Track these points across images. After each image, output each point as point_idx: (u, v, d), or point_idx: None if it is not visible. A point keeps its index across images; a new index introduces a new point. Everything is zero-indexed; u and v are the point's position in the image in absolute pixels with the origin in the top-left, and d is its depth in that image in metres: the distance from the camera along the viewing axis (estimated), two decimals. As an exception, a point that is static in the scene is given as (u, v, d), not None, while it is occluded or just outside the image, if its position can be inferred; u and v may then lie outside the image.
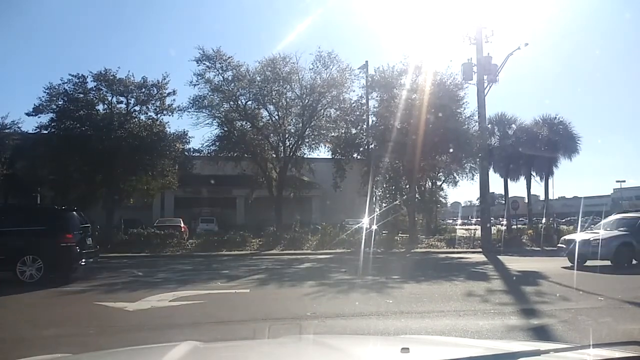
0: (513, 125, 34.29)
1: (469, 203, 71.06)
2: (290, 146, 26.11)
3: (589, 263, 13.97)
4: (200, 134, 64.81)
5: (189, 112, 24.86)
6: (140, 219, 27.98)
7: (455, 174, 30.93)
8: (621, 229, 15.11)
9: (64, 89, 23.48)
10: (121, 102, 24.70)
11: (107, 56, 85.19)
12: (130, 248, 20.13)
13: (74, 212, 12.49)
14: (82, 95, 23.79)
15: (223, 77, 24.64)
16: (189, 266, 15.67)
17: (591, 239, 14.71)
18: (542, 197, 42.50)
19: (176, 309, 8.03)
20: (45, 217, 12.19)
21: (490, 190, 27.34)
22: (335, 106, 25.74)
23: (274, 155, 26.33)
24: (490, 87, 22.43)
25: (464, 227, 34.30)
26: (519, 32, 53.49)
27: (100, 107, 24.59)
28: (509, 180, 35.34)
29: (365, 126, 25.14)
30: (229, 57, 24.49)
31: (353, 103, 25.44)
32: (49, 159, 23.04)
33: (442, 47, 44.47)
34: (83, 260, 11.87)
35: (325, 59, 24.78)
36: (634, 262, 14.72)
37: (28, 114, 23.83)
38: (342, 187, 25.25)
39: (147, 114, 24.96)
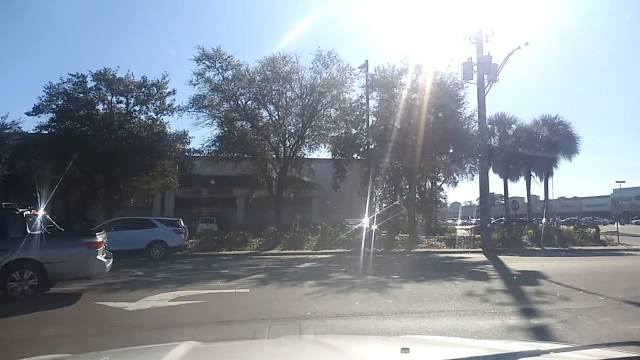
0: (513, 126, 34.36)
1: (469, 203, 71.36)
2: (290, 146, 26.09)
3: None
4: (200, 134, 65.07)
5: (189, 112, 24.88)
6: (140, 219, 27.97)
7: (455, 174, 30.96)
8: None
9: (64, 88, 23.52)
10: (121, 102, 24.76)
11: (107, 56, 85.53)
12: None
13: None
14: (82, 95, 23.79)
15: (223, 77, 24.65)
16: (189, 266, 15.66)
17: None
18: (542, 198, 42.54)
19: (176, 309, 8.03)
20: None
21: (490, 191, 27.35)
22: (335, 106, 25.72)
23: (274, 156, 26.31)
24: (490, 86, 22.44)
25: (464, 227, 34.32)
26: (519, 32, 53.83)
27: (100, 106, 24.65)
28: (508, 180, 35.41)
29: (365, 126, 25.12)
30: (228, 57, 24.51)
31: (353, 103, 25.44)
32: (49, 159, 23.02)
33: (442, 46, 44.70)
34: None
35: (325, 58, 24.78)
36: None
37: (28, 114, 23.91)
38: (342, 187, 25.25)
39: (147, 114, 25.02)
